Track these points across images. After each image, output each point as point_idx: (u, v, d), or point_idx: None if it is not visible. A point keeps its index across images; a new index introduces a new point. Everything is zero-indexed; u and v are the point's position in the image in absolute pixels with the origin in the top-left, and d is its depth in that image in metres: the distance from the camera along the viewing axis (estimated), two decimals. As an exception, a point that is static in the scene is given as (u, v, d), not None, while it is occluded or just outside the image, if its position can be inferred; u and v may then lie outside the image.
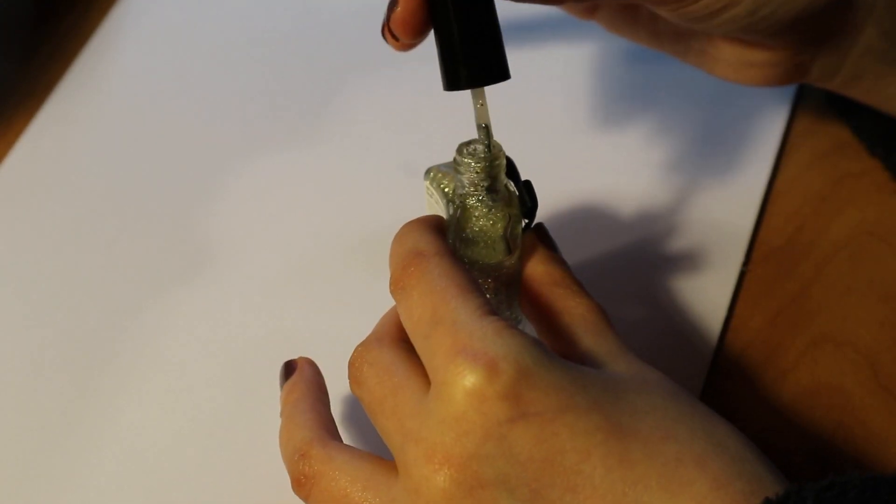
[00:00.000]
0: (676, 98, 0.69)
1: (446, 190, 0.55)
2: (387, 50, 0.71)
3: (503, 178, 0.54)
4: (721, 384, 0.58)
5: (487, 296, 0.50)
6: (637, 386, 0.47)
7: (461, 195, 0.54)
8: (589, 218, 0.64)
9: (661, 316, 0.60)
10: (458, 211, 0.54)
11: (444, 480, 0.45)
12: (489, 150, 0.53)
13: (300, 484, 0.49)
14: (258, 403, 0.57)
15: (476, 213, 0.53)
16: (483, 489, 0.45)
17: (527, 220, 0.54)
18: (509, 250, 0.54)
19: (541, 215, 0.63)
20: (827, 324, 0.60)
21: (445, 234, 0.53)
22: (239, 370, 0.59)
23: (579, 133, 0.68)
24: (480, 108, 0.52)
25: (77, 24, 0.72)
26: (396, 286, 0.50)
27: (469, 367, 0.45)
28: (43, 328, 0.60)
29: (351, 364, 0.50)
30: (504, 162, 0.53)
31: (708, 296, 0.61)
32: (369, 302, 0.60)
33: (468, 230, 0.53)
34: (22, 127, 0.68)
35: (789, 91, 0.69)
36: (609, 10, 0.63)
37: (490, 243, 0.53)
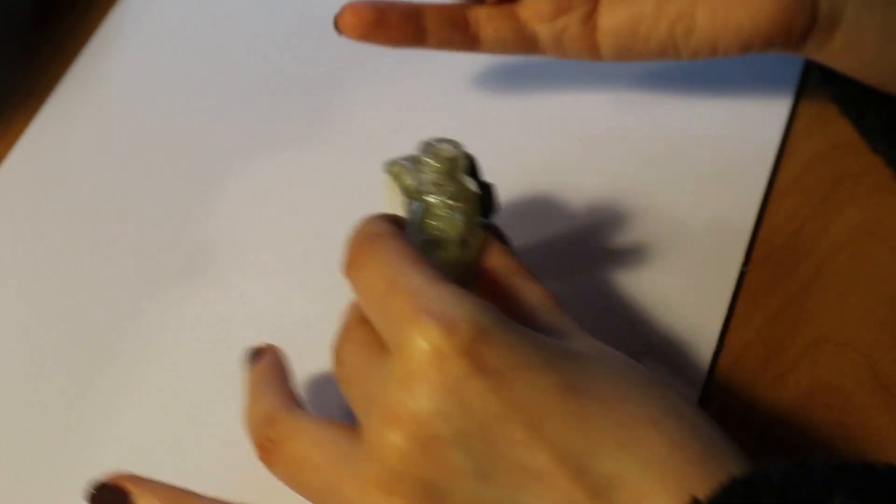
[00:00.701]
0: (676, 97, 0.69)
1: (407, 185, 0.56)
2: (387, 50, 0.71)
3: (464, 178, 0.54)
4: (721, 384, 0.58)
5: None
6: (594, 356, 0.48)
7: (421, 193, 0.54)
8: (587, 217, 0.64)
9: (660, 316, 0.60)
10: (418, 209, 0.54)
11: (399, 438, 0.45)
12: (455, 147, 0.54)
13: (265, 449, 0.49)
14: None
15: (436, 213, 0.54)
16: (439, 446, 0.45)
17: (485, 220, 0.55)
18: (467, 250, 0.54)
19: (543, 215, 0.63)
20: (827, 324, 0.60)
21: (402, 225, 0.53)
22: (239, 370, 0.59)
23: (577, 131, 0.68)
24: None
25: (77, 24, 0.72)
26: (351, 266, 0.51)
27: (427, 326, 0.46)
28: (43, 328, 0.60)
29: (333, 346, 0.51)
30: (465, 163, 0.54)
31: (707, 296, 0.61)
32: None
33: (427, 229, 0.54)
34: (22, 127, 0.68)
35: (790, 90, 0.69)
36: (611, 33, 0.63)
37: (448, 243, 0.54)
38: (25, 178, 0.66)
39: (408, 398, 0.45)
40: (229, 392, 0.58)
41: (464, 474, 0.45)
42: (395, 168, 0.56)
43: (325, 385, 0.58)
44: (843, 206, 0.64)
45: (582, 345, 0.49)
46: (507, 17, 0.63)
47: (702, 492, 0.44)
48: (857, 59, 0.62)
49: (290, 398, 0.51)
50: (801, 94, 0.69)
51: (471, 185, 0.55)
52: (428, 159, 0.54)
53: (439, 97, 0.69)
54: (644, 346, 0.59)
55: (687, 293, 0.61)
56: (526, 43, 0.64)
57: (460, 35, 0.63)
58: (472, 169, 0.55)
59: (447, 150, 0.54)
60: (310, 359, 0.57)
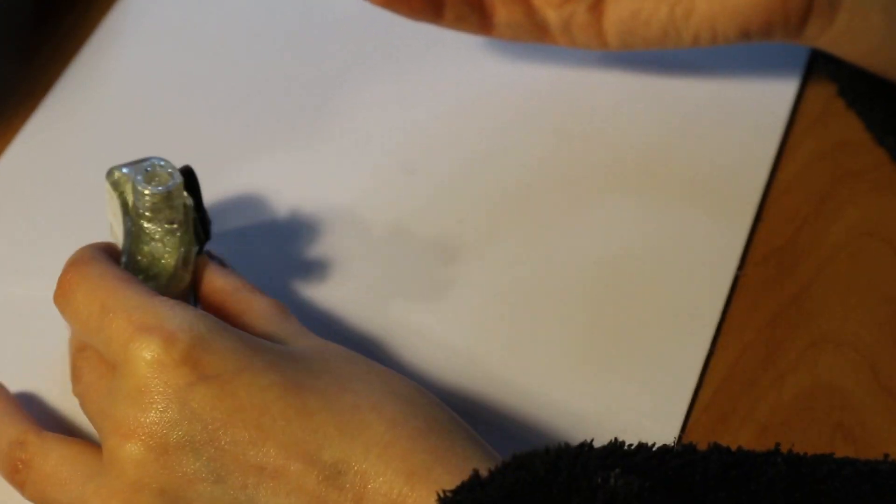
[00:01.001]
0: (677, 97, 0.69)
1: (126, 200, 0.56)
2: (388, 49, 0.71)
3: (181, 202, 0.55)
4: (720, 385, 0.58)
5: None
6: (314, 353, 0.51)
7: (138, 214, 0.55)
8: (586, 216, 0.64)
9: (656, 316, 0.60)
10: (134, 230, 0.55)
11: (133, 449, 0.48)
12: (172, 176, 0.55)
13: (17, 470, 0.51)
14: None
15: (151, 237, 0.55)
16: (170, 454, 0.47)
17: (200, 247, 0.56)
18: (182, 274, 0.55)
19: (544, 217, 0.63)
20: (827, 324, 0.60)
21: (117, 253, 0.55)
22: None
23: (577, 132, 0.68)
24: None
25: (77, 23, 0.72)
26: (59, 295, 0.53)
27: (146, 341, 0.48)
28: (42, 325, 0.60)
29: (70, 364, 0.54)
30: (181, 187, 0.55)
31: (703, 296, 0.61)
32: (369, 300, 0.61)
33: (141, 253, 0.55)
34: (21, 127, 0.68)
35: (791, 90, 0.69)
36: (616, 19, 0.64)
37: (162, 267, 0.55)
38: (22, 176, 0.66)
39: (137, 412, 0.48)
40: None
41: (199, 479, 0.48)
42: (116, 176, 0.57)
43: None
44: (844, 205, 0.64)
45: (305, 346, 0.52)
46: (520, 1, 0.64)
47: (426, 466, 0.47)
48: (861, 45, 0.63)
49: (33, 422, 0.53)
50: (801, 94, 0.69)
51: (188, 200, 0.56)
52: (142, 189, 0.54)
53: (441, 96, 0.69)
54: (639, 346, 0.59)
55: (683, 294, 0.61)
56: (537, 29, 0.65)
57: (476, 15, 0.64)
58: (189, 183, 0.56)
59: (163, 176, 0.55)
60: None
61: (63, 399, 0.57)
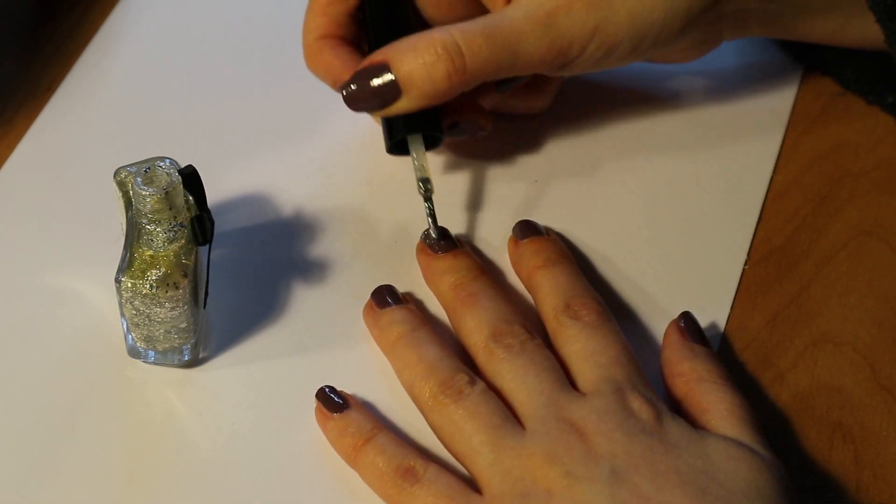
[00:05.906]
0: (676, 98, 0.69)
1: (131, 199, 0.56)
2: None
3: (182, 203, 0.55)
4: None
5: (176, 311, 0.55)
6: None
7: (139, 214, 0.55)
8: (591, 218, 0.64)
9: (663, 317, 0.60)
10: (135, 230, 0.55)
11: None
12: (171, 177, 0.54)
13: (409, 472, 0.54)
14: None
15: (151, 237, 0.55)
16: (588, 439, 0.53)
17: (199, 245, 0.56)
18: (181, 275, 0.55)
19: (546, 219, 0.64)
20: (826, 324, 0.60)
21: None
22: (247, 377, 0.59)
23: (581, 135, 0.68)
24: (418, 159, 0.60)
25: (78, 24, 0.73)
26: (578, 316, 0.57)
27: (645, 405, 0.54)
28: (48, 326, 0.60)
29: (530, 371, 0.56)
30: (180, 188, 0.55)
31: (711, 296, 0.61)
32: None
33: (141, 253, 0.55)
34: (24, 128, 0.68)
35: (790, 91, 0.69)
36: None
37: (162, 267, 0.55)
38: (28, 179, 0.66)
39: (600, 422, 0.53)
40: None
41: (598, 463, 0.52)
42: (122, 176, 0.57)
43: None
44: (843, 205, 0.65)
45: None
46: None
47: None
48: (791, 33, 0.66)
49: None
50: (801, 95, 0.69)
51: (189, 199, 0.56)
52: (142, 189, 0.54)
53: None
54: (648, 346, 0.59)
55: (689, 294, 0.61)
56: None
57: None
58: (194, 189, 0.56)
59: (162, 178, 0.55)
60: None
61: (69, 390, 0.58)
